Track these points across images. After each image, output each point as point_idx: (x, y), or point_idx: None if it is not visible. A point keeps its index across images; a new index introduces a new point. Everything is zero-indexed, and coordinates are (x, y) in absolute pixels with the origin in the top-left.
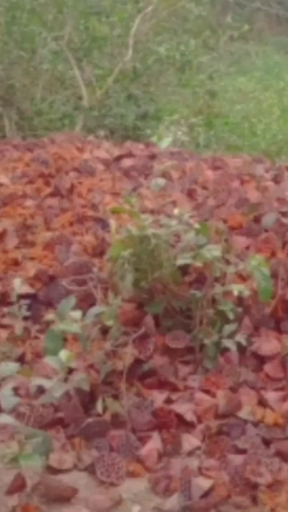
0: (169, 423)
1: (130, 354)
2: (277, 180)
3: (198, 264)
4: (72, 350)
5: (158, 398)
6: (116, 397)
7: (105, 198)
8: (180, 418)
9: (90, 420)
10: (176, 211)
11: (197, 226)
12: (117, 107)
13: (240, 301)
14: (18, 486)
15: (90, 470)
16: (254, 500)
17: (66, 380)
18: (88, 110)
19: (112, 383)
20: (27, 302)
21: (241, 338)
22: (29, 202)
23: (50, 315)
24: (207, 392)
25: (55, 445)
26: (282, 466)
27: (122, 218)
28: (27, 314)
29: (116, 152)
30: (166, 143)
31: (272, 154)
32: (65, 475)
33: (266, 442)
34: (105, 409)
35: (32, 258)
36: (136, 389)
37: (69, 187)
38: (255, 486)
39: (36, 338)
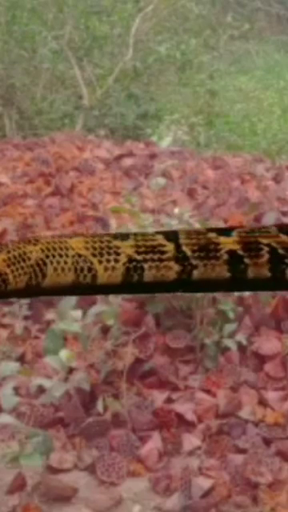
0: (169, 423)
1: (130, 353)
2: (277, 179)
3: None
4: (72, 350)
5: (159, 397)
6: (116, 396)
7: (105, 197)
8: (180, 417)
9: (90, 420)
10: (176, 210)
11: (197, 225)
12: (117, 106)
13: (240, 300)
14: (19, 485)
15: (91, 469)
16: (255, 499)
17: (66, 380)
18: (88, 109)
19: (112, 383)
20: (27, 301)
21: (241, 337)
22: (29, 202)
23: (50, 315)
24: (208, 392)
25: (56, 444)
26: (283, 466)
27: (122, 217)
28: (27, 313)
29: (116, 151)
30: (166, 143)
31: (272, 154)
32: (65, 475)
33: (267, 442)
34: (105, 408)
35: None
36: (136, 388)
37: (69, 186)
38: (256, 486)
39: (36, 337)
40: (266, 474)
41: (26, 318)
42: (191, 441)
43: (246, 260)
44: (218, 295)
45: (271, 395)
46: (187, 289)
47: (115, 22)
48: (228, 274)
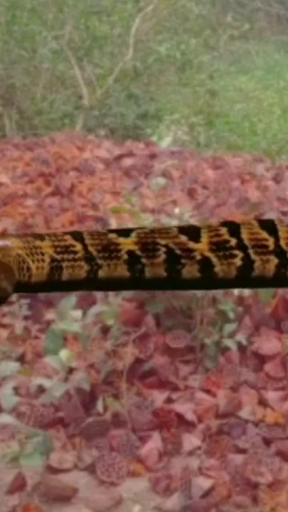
0: (169, 423)
1: (130, 353)
2: (277, 179)
3: None
4: (72, 350)
5: (159, 397)
6: (116, 396)
7: (105, 197)
8: (180, 417)
9: (90, 420)
10: (176, 210)
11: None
12: (117, 106)
13: (240, 300)
14: (19, 485)
15: (91, 469)
16: (255, 499)
17: (66, 380)
18: (88, 109)
19: (112, 383)
20: (27, 301)
21: (241, 337)
22: (29, 202)
23: (50, 315)
24: (208, 392)
25: (56, 444)
26: (283, 466)
27: (122, 217)
28: (27, 313)
29: (116, 151)
30: (166, 143)
31: (272, 154)
32: (65, 475)
33: (267, 442)
34: (105, 408)
35: None
36: (136, 388)
37: (69, 186)
38: (256, 486)
39: (36, 337)
40: (266, 473)
41: (26, 317)
42: (191, 441)
43: (144, 260)
44: (218, 295)
45: (271, 395)
46: (94, 287)
47: (115, 22)
48: (128, 274)
